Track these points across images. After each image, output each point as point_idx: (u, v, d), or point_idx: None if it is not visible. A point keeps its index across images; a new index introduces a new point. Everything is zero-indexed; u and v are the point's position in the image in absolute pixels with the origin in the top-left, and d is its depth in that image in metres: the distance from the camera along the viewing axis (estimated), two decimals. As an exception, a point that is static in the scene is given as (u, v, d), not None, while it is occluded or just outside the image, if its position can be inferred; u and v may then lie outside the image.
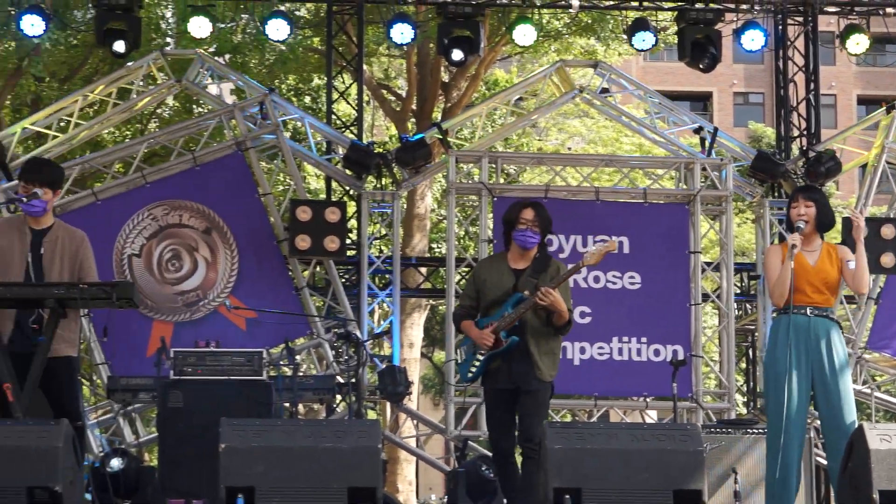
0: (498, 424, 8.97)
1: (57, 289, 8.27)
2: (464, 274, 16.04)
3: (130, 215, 15.11)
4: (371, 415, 16.16)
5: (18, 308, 8.47)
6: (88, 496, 9.12)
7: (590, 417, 15.55)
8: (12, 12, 16.27)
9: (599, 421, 15.08)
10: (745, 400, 21.10)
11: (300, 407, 12.77)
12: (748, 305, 17.44)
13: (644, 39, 16.43)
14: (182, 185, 15.26)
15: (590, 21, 23.44)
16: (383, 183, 15.94)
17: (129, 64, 16.26)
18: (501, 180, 15.73)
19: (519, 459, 9.01)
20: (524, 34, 16.17)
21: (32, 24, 15.81)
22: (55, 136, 15.87)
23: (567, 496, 7.67)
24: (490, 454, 12.78)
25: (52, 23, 16.51)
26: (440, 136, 15.92)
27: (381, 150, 16.46)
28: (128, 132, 23.82)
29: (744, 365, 19.28)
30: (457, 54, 15.88)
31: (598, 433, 7.95)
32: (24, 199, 8.58)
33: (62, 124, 16.27)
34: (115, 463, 11.62)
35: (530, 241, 8.95)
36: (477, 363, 8.91)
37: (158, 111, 24.23)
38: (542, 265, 8.97)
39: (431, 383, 36.09)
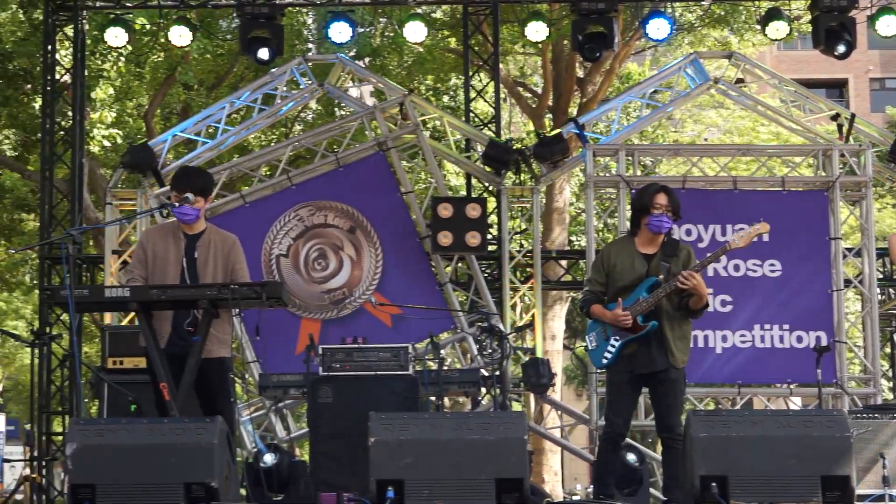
0: (622, 408, 8.78)
1: (210, 290, 8.36)
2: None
3: (277, 217, 15.23)
4: (516, 407, 16.09)
5: (174, 309, 8.58)
6: (243, 491, 9.19)
7: (733, 405, 15.30)
8: (162, 24, 16.51)
9: (743, 408, 14.84)
10: (891, 385, 20.62)
11: (446, 400, 12.74)
12: (891, 290, 17.04)
13: (778, 29, 16.16)
14: (326, 185, 15.33)
15: (723, 13, 23.12)
16: (522, 178, 15.88)
17: (273, 70, 16.40)
18: (638, 172, 15.54)
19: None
20: (658, 28, 15.98)
21: (181, 35, 16.08)
22: (204, 143, 16.05)
23: (713, 484, 7.54)
24: (634, 444, 12.67)
25: (199, 33, 16.72)
26: (577, 131, 15.79)
27: (519, 147, 16.39)
28: (273, 136, 24.08)
29: (888, 349, 18.84)
30: (591, 51, 15.78)
31: (744, 420, 7.80)
32: (176, 206, 8.67)
33: (210, 130, 16.46)
34: (268, 458, 11.71)
35: (665, 226, 8.78)
36: (612, 349, 8.75)
37: (302, 115, 24.46)
38: (672, 249, 8.79)
39: (574, 374, 35.91)
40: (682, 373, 8.75)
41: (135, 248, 9.37)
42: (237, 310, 8.58)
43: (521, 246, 16.63)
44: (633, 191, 14.84)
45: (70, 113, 16.84)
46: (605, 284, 8.84)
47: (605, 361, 8.79)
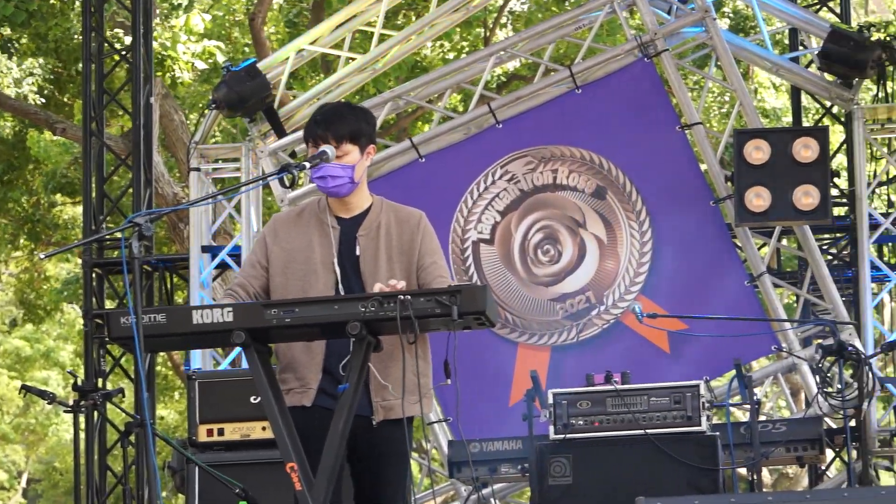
0: None
1: (363, 304, 8.19)
2: None
3: (474, 177, 15.42)
4: (887, 480, 16.04)
5: (309, 339, 8.52)
6: None
7: None
8: None
9: None
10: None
11: (765, 472, 12.86)
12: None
13: None
14: (554, 120, 15.44)
15: None
16: (889, 92, 15.71)
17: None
18: None
19: None
20: None
21: None
22: (349, 60, 16.20)
23: None
24: None
25: None
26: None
27: (883, 38, 16.19)
28: (465, 44, 24.22)
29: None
30: None
31: None
32: (307, 167, 8.65)
33: (358, 38, 16.60)
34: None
35: None
36: None
37: (510, 6, 24.58)
38: None
39: None
40: None
41: (253, 244, 9.53)
42: (411, 336, 8.44)
43: (892, 205, 16.50)
44: None
45: (129, 22, 17.06)
46: None
47: None
